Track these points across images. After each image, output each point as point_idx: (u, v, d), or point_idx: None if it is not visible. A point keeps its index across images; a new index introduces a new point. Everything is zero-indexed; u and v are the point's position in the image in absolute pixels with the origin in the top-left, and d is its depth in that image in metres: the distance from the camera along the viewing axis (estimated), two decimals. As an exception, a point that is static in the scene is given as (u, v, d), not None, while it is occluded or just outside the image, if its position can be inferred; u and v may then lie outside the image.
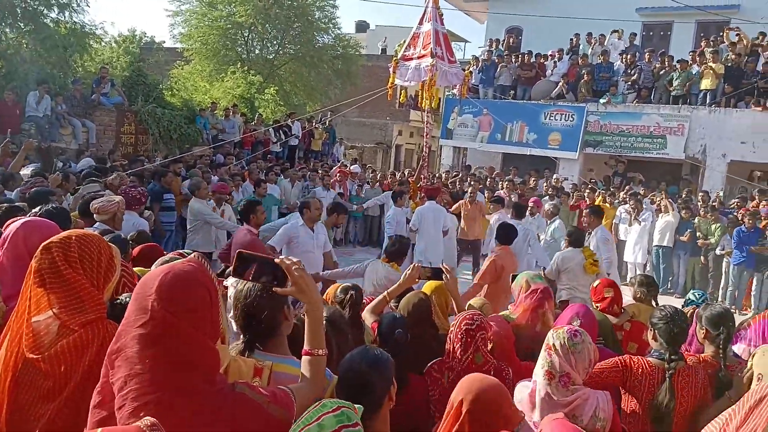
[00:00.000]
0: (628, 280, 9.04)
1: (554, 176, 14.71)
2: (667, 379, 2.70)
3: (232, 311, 2.01)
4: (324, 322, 1.92)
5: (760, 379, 2.48)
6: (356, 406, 1.49)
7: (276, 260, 1.75)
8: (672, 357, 2.75)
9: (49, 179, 6.50)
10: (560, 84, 16.61)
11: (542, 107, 16.72)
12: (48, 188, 5.62)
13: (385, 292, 3.54)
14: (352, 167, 15.24)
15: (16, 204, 4.58)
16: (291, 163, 14.83)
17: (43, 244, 1.77)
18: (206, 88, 17.55)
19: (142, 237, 4.37)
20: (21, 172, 6.94)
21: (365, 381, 1.84)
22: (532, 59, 17.59)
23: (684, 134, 14.90)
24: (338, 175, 12.79)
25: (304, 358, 1.76)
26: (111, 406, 1.38)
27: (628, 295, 4.52)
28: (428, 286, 3.53)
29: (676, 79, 15.00)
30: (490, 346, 2.79)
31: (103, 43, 16.33)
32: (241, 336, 1.97)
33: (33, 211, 3.67)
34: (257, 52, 24.20)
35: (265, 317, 1.89)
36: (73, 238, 1.81)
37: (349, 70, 24.44)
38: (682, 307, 3.73)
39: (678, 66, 15.21)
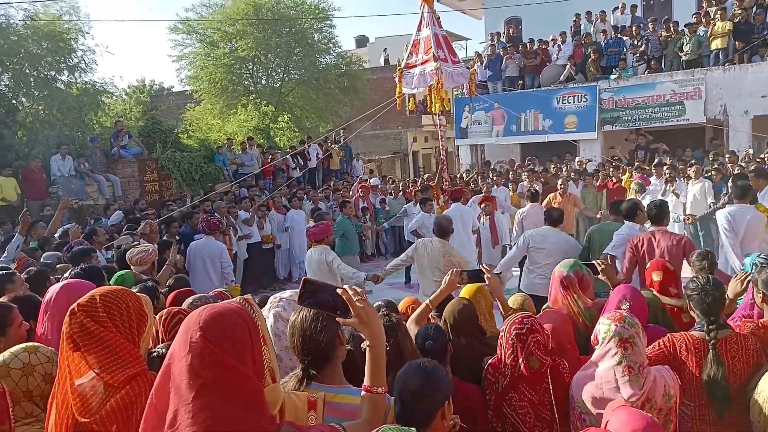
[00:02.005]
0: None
1: (576, 159, 14.54)
2: (711, 349, 2.64)
3: (288, 340, 2.01)
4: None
5: None
6: (411, 429, 1.46)
7: (338, 290, 1.75)
8: (711, 327, 2.69)
9: (70, 233, 6.66)
10: (567, 66, 16.48)
11: (553, 92, 16.58)
12: (91, 247, 5.75)
13: (427, 300, 3.53)
14: (371, 180, 15.29)
15: (43, 268, 4.72)
16: (312, 185, 14.95)
17: (69, 309, 1.77)
18: (220, 125, 17.82)
19: (180, 283, 4.43)
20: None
21: (417, 395, 1.82)
22: (535, 47, 17.48)
23: (701, 97, 14.64)
24: (360, 190, 12.83)
25: (364, 394, 1.74)
26: None
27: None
28: (468, 290, 3.48)
29: (687, 44, 14.76)
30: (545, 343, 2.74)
31: (114, 97, 16.72)
32: (299, 365, 1.98)
33: (65, 275, 3.76)
34: (264, 82, 24.51)
35: (322, 342, 1.89)
36: (98, 297, 1.80)
37: (355, 86, 24.57)
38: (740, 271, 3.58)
39: (686, 30, 14.97)
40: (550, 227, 6.16)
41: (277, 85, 24.35)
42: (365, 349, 1.76)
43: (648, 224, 5.37)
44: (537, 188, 8.71)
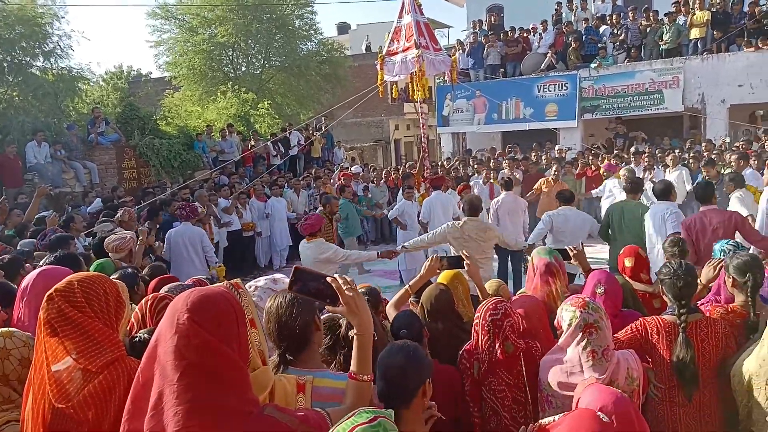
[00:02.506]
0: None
1: (556, 147, 14.65)
2: (681, 332, 2.71)
3: (264, 326, 2.02)
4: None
5: None
6: (390, 411, 1.48)
7: (328, 278, 1.76)
8: (681, 311, 2.75)
9: (47, 221, 6.59)
10: (548, 55, 16.56)
11: (534, 80, 16.65)
12: (68, 234, 5.70)
13: (407, 285, 3.56)
14: (352, 168, 15.26)
15: (18, 256, 4.66)
16: (294, 173, 14.88)
17: (46, 294, 1.76)
18: (199, 112, 17.61)
19: (156, 270, 4.41)
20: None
21: (398, 375, 1.86)
22: (516, 35, 17.52)
23: (680, 86, 14.81)
24: (342, 178, 12.81)
25: (349, 381, 1.76)
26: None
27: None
28: (445, 276, 3.50)
29: (666, 32, 14.90)
30: (520, 327, 2.78)
31: (91, 84, 16.43)
32: (276, 350, 1.99)
33: (43, 261, 3.72)
34: (244, 69, 24.25)
35: (298, 327, 1.91)
36: (75, 282, 1.79)
37: (337, 74, 24.42)
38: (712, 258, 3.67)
39: (666, 19, 15.11)
40: (568, 207, 6.54)
41: (258, 71, 24.11)
42: (353, 337, 1.78)
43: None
44: (510, 177, 8.73)
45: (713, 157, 10.12)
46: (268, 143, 14.86)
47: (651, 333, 2.81)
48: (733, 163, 8.59)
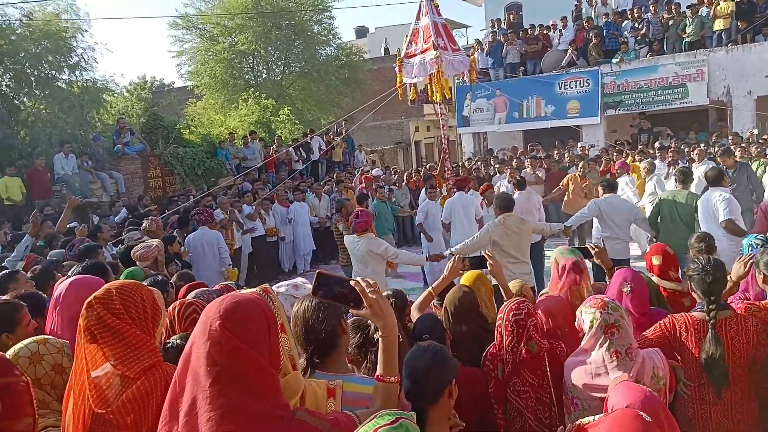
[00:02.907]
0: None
1: (579, 144, 14.49)
2: (710, 329, 2.66)
3: (292, 329, 2.04)
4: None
5: None
6: (412, 413, 1.47)
7: (351, 282, 1.77)
8: (711, 307, 2.70)
9: (76, 232, 6.72)
10: (569, 51, 16.39)
11: (555, 78, 16.51)
12: (96, 243, 5.80)
13: (430, 287, 3.55)
14: (373, 171, 15.28)
15: (49, 264, 4.76)
16: (315, 178, 14.96)
17: (86, 301, 1.80)
18: (221, 120, 17.83)
19: (185, 277, 4.47)
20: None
21: (424, 375, 1.87)
22: (536, 32, 17.39)
23: (704, 79, 14.55)
24: (363, 181, 12.84)
25: (377, 384, 1.77)
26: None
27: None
28: (468, 277, 3.49)
29: (689, 25, 14.65)
30: (544, 328, 2.77)
31: (115, 95, 16.75)
32: (304, 354, 2.01)
33: (72, 270, 3.80)
34: (264, 76, 24.47)
35: (324, 331, 1.93)
36: (114, 290, 1.83)
37: (356, 77, 24.51)
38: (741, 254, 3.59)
39: (688, 12, 14.86)
40: (612, 194, 6.67)
41: (278, 78, 24.31)
42: (378, 340, 1.79)
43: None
44: (523, 176, 8.70)
45: (738, 149, 9.93)
46: (290, 149, 14.97)
47: (680, 330, 2.77)
48: (696, 157, 8.82)
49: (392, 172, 15.41)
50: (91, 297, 1.81)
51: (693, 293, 2.89)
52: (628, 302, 2.99)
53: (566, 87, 16.39)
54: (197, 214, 7.97)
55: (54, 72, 13.21)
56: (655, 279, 3.75)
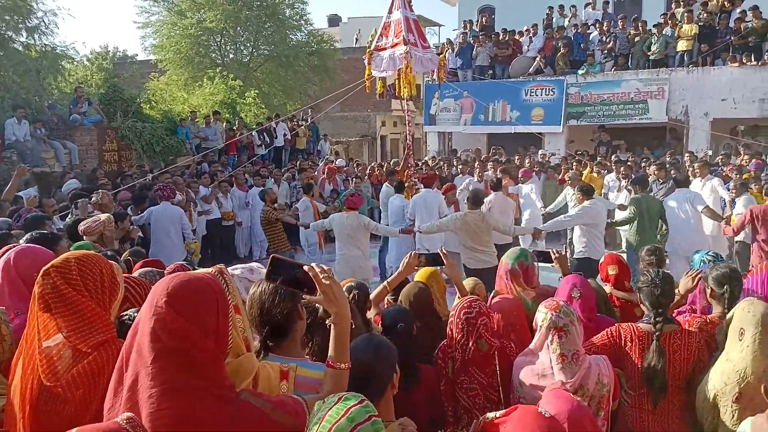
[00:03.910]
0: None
1: (540, 152, 14.74)
2: (654, 341, 2.75)
3: (246, 311, 2.04)
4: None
5: (742, 334, 2.45)
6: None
7: (306, 267, 1.76)
8: (657, 320, 2.79)
9: (26, 202, 6.50)
10: (537, 59, 16.65)
11: (522, 84, 16.74)
12: (45, 214, 5.61)
13: (385, 282, 3.57)
14: (337, 162, 15.22)
15: (4, 232, 4.58)
16: (278, 164, 14.80)
17: (43, 269, 1.75)
18: (184, 97, 17.43)
19: (138, 254, 4.36)
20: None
21: (370, 369, 1.86)
22: (507, 37, 17.59)
23: (664, 97, 14.99)
24: (326, 171, 12.77)
25: (327, 369, 1.77)
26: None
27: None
28: (422, 274, 3.52)
29: (654, 43, 15.06)
30: (495, 327, 2.81)
31: (75, 63, 16.15)
32: (258, 336, 2.00)
33: (25, 237, 3.66)
34: (231, 56, 24.05)
35: (279, 314, 1.93)
36: (72, 260, 1.79)
37: (325, 66, 24.32)
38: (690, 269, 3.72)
39: (654, 30, 15.27)
40: (594, 199, 6.99)
41: (246, 59, 23.91)
42: (330, 326, 1.77)
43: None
44: (500, 177, 8.78)
45: (691, 167, 10.29)
46: (253, 133, 14.76)
47: (625, 339, 2.85)
48: (698, 171, 9.42)
49: (356, 165, 15.39)
50: (48, 265, 1.76)
51: (641, 305, 2.97)
52: (576, 308, 3.06)
53: (532, 94, 16.65)
54: (160, 189, 8.10)
55: (11, 33, 12.64)
56: (607, 288, 3.85)
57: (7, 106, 11.17)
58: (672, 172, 10.24)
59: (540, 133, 16.54)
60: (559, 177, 11.54)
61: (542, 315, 2.53)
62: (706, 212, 7.61)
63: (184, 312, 1.40)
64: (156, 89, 18.06)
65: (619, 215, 7.87)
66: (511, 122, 16.84)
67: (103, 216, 5.30)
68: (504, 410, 1.85)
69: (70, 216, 6.08)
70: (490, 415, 1.87)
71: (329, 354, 1.77)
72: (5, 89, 11.81)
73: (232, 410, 1.44)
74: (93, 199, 6.73)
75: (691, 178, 9.19)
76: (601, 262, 4.09)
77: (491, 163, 12.12)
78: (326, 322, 1.79)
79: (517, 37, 17.61)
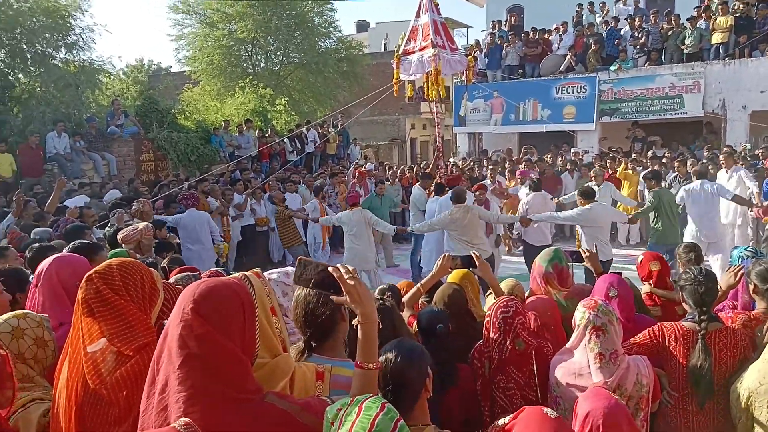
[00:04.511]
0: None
1: (572, 150, 14.55)
2: (700, 340, 2.68)
3: (292, 313, 2.09)
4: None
5: None
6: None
7: (330, 269, 1.77)
8: (702, 318, 2.72)
9: (67, 212, 6.69)
10: (568, 57, 16.44)
11: (553, 82, 16.55)
12: (84, 224, 5.77)
13: (419, 284, 3.56)
14: (366, 166, 15.27)
15: (47, 243, 4.73)
16: (309, 170, 14.93)
17: (86, 275, 1.80)
18: (217, 107, 17.75)
19: (176, 261, 4.46)
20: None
21: (403, 375, 1.85)
22: (536, 36, 17.42)
23: (700, 91, 14.63)
24: (357, 175, 12.84)
25: (356, 370, 1.76)
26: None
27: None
28: (455, 275, 3.50)
29: (688, 37, 14.73)
30: (532, 326, 2.79)
31: (112, 76, 16.62)
32: (302, 337, 2.05)
33: (68, 247, 3.77)
34: (262, 65, 24.38)
35: (323, 316, 1.95)
36: (115, 266, 1.84)
37: (354, 71, 24.46)
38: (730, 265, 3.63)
39: (688, 24, 14.94)
40: (595, 202, 7.10)
41: (276, 68, 24.22)
42: (357, 326, 1.79)
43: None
44: (540, 178, 8.74)
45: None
46: (285, 139, 14.93)
47: (669, 339, 2.78)
48: (723, 162, 9.37)
49: (386, 168, 15.41)
50: (92, 271, 1.81)
51: (684, 303, 2.90)
52: (615, 307, 3.01)
53: (563, 92, 16.44)
54: (184, 198, 8.40)
55: (51, 50, 13.09)
56: (646, 286, 3.77)
57: (48, 120, 11.54)
58: (710, 167, 10.00)
59: (572, 131, 16.32)
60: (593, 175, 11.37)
61: (580, 314, 2.50)
62: (736, 199, 7.97)
63: (210, 318, 1.44)
64: (190, 100, 18.44)
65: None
66: (543, 121, 16.65)
67: (141, 225, 5.42)
68: (512, 415, 1.84)
69: (109, 225, 6.24)
70: (500, 421, 1.87)
71: (357, 355, 1.78)
72: (46, 104, 12.21)
73: (256, 413, 1.46)
74: (134, 207, 6.89)
75: (711, 170, 9.32)
76: (640, 259, 3.99)
77: (524, 162, 12.01)
78: (352, 322, 1.79)
79: (546, 35, 17.43)
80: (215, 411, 1.39)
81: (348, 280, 1.73)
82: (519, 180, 10.16)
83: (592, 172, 10.11)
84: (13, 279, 2.96)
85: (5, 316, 2.09)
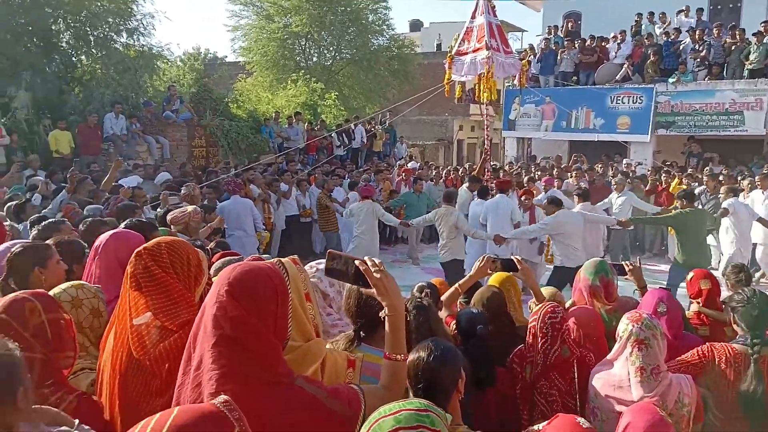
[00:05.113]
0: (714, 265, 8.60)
1: (624, 161, 14.18)
2: (752, 364, 2.58)
3: (344, 302, 2.14)
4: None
5: None
6: (447, 415, 1.43)
7: (357, 262, 1.78)
8: (755, 341, 2.62)
9: (121, 192, 6.90)
10: (625, 66, 16.03)
11: (608, 91, 16.17)
12: (135, 203, 5.95)
13: (457, 285, 3.52)
14: (409, 164, 15.25)
15: (101, 218, 4.90)
16: (355, 165, 15.03)
17: (136, 250, 1.87)
18: (269, 98, 18.03)
19: (222, 245, 4.55)
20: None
21: (434, 375, 1.83)
22: (594, 43, 17.06)
23: (763, 109, 14.06)
24: (403, 174, 12.84)
25: (384, 361, 1.77)
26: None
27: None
28: (497, 278, 3.45)
29: (753, 52, 14.17)
30: (573, 335, 2.74)
31: (169, 63, 17.05)
32: (353, 326, 2.09)
33: (122, 225, 3.90)
34: (315, 59, 24.64)
35: (375, 307, 1.94)
36: (163, 243, 1.90)
37: (405, 70, 24.47)
38: None
39: (753, 39, 14.37)
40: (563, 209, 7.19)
41: (328, 62, 24.45)
42: (384, 318, 1.79)
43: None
44: (587, 187, 8.54)
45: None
46: (333, 134, 15.06)
47: (719, 361, 2.68)
48: (759, 183, 9.32)
49: (432, 168, 15.35)
50: (141, 247, 1.88)
51: (734, 325, 2.80)
52: (662, 323, 2.92)
53: (618, 101, 16.05)
54: (227, 184, 8.56)
55: (113, 34, 13.51)
56: (694, 305, 3.65)
57: (106, 101, 11.94)
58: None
59: (625, 142, 15.92)
60: (646, 188, 11.07)
61: (623, 326, 2.44)
62: (761, 222, 8.16)
63: (243, 301, 1.47)
64: (243, 90, 18.79)
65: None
66: (595, 130, 16.30)
67: (190, 207, 5.55)
68: (547, 421, 1.81)
69: (160, 207, 6.40)
70: (536, 427, 1.84)
71: (385, 346, 1.78)
72: (105, 86, 12.63)
73: (285, 395, 1.49)
74: (183, 191, 7.05)
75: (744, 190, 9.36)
76: (690, 277, 3.82)
77: (574, 171, 11.77)
78: (380, 314, 1.79)
79: (603, 43, 17.04)
80: (246, 391, 1.42)
81: (375, 273, 1.74)
82: (544, 188, 9.91)
83: (615, 181, 9.94)
84: (70, 251, 3.06)
85: (64, 286, 2.18)
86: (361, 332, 2.03)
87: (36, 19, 11.88)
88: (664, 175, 11.49)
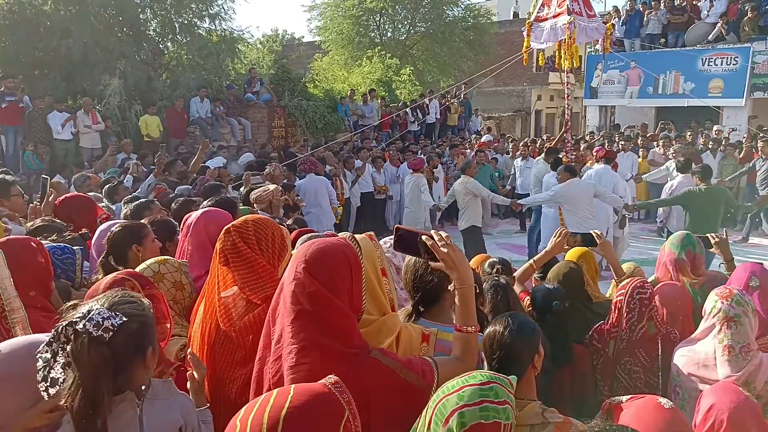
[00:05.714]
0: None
1: (715, 127, 13.32)
2: None
3: (403, 277, 2.16)
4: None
5: None
6: (511, 378, 1.42)
7: (424, 237, 1.81)
8: None
9: (207, 173, 7.22)
10: (719, 25, 14.92)
11: (699, 53, 15.16)
12: (221, 183, 6.24)
13: (531, 260, 3.48)
14: (483, 137, 14.99)
15: (190, 198, 5.18)
16: (429, 140, 14.96)
17: (224, 228, 2.01)
18: (344, 76, 18.19)
19: (299, 222, 4.71)
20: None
21: (510, 348, 1.83)
22: (684, 2, 15.97)
23: None
24: (477, 147, 12.66)
25: (456, 333, 1.80)
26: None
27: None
28: (574, 253, 3.38)
29: None
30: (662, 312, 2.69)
31: (249, 46, 17.51)
32: (410, 300, 2.11)
33: (205, 202, 4.12)
34: (389, 34, 24.56)
35: (431, 284, 2.00)
36: (250, 222, 2.04)
37: (481, 41, 23.94)
38: None
39: None
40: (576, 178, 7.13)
41: (403, 37, 24.30)
42: (454, 291, 1.81)
43: None
44: (690, 157, 8.11)
45: None
46: (407, 110, 15.04)
47: None
48: None
49: (507, 140, 15.03)
50: (229, 225, 2.02)
51: None
52: (754, 299, 2.78)
53: (710, 63, 15.03)
54: (303, 163, 8.84)
55: (196, 20, 14.01)
56: None
57: (192, 86, 12.47)
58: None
59: (718, 107, 14.90)
60: (741, 156, 10.39)
61: (711, 303, 2.35)
62: None
63: (320, 277, 1.54)
64: (319, 69, 19.06)
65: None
66: (685, 95, 15.35)
67: (272, 186, 5.78)
68: (630, 396, 1.78)
69: (243, 186, 6.68)
70: (619, 398, 1.81)
71: (456, 319, 1.81)
72: (191, 71, 13.18)
73: (362, 367, 1.55)
74: (266, 170, 7.32)
75: None
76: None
77: (661, 140, 11.18)
78: (448, 287, 1.82)
79: (695, 1, 15.91)
80: (324, 363, 1.49)
81: (441, 248, 1.76)
82: (596, 158, 9.43)
83: (673, 149, 9.46)
84: (164, 229, 3.27)
85: (148, 262, 2.36)
86: (420, 306, 2.05)
87: (125, 9, 12.52)
88: (761, 143, 10.71)
